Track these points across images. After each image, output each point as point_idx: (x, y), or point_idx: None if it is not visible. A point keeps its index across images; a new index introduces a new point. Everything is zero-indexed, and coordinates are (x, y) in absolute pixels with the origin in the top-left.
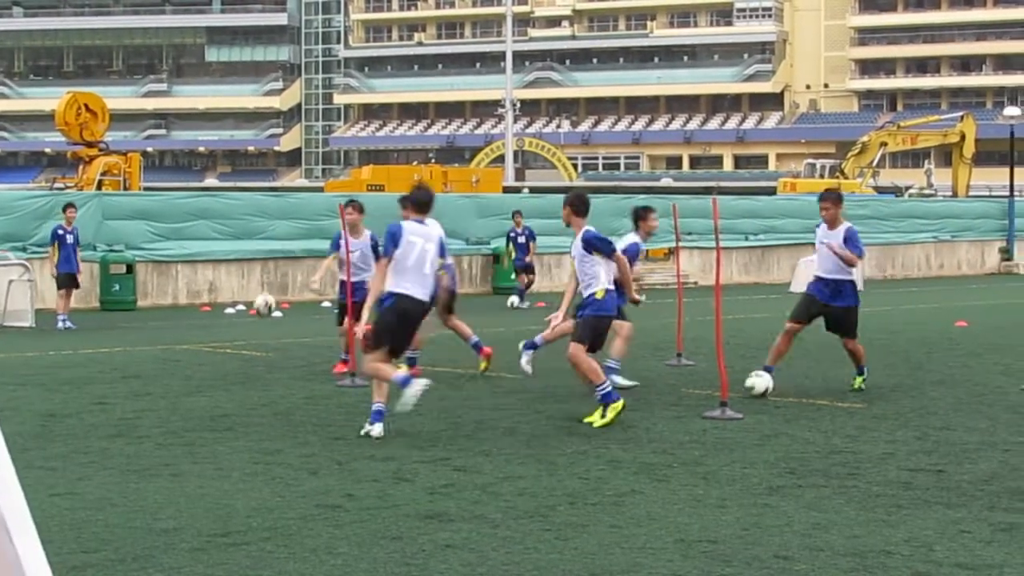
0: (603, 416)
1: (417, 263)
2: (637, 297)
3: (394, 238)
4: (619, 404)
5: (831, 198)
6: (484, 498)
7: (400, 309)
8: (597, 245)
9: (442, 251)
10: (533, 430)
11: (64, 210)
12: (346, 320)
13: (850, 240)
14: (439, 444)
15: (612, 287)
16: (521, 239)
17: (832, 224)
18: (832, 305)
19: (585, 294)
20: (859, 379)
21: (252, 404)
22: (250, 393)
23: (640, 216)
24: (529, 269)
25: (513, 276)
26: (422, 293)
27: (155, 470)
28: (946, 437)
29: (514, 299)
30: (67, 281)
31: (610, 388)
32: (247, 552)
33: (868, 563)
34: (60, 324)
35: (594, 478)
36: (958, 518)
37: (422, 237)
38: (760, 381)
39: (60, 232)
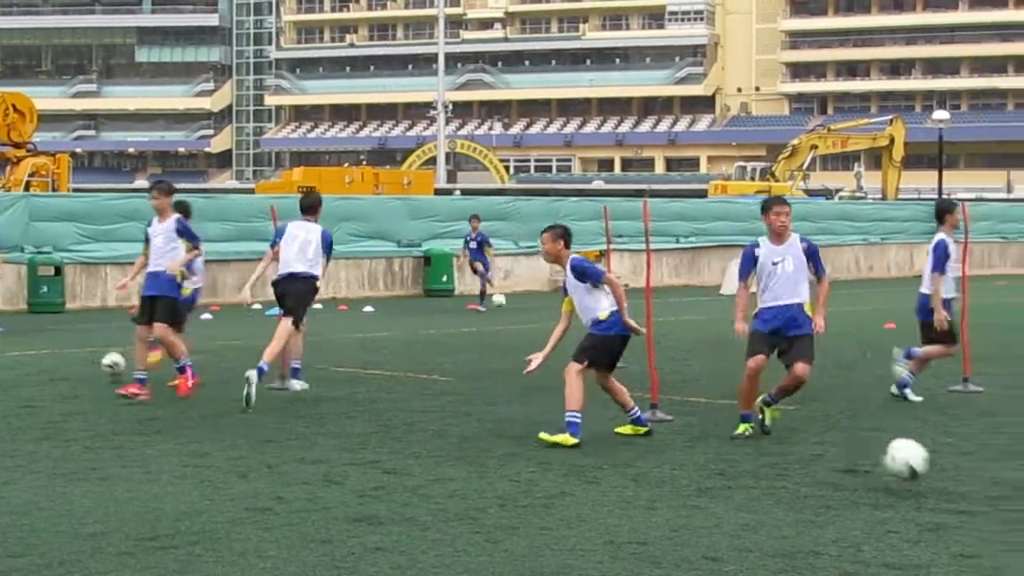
0: (551, 435)
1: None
2: (636, 326)
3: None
4: (572, 440)
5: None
6: (414, 501)
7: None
8: (587, 272)
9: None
10: (463, 432)
11: None
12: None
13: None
14: (369, 447)
15: (616, 308)
16: (473, 244)
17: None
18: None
19: (589, 322)
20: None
21: (181, 407)
22: (179, 397)
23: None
24: (487, 271)
25: (445, 278)
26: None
27: (83, 474)
28: (875, 438)
29: (480, 306)
30: None
31: (578, 421)
32: (175, 556)
33: (797, 564)
34: None
35: (524, 480)
36: (886, 518)
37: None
38: None
39: None
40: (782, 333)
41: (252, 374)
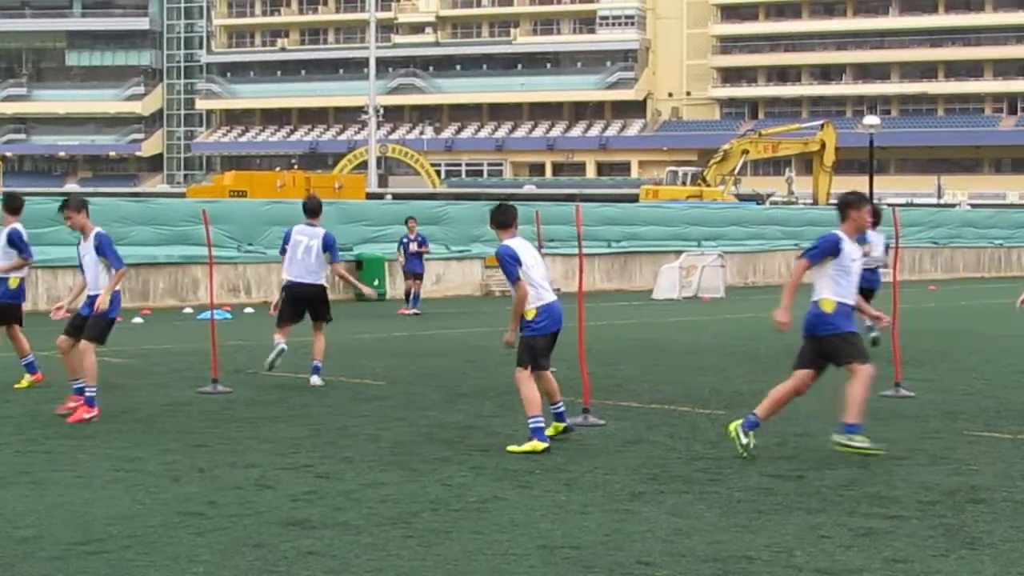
0: (519, 445)
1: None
2: (511, 340)
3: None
4: (542, 446)
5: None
6: (347, 505)
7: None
8: (504, 268)
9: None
10: (396, 437)
11: None
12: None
13: None
14: (301, 451)
15: (547, 302)
16: (413, 245)
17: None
18: None
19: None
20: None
21: (113, 411)
22: (111, 400)
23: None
24: (419, 275)
25: (377, 282)
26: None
27: (14, 478)
28: (806, 443)
29: (407, 307)
30: None
31: (542, 425)
32: (107, 560)
33: (729, 568)
34: None
35: (457, 484)
36: (818, 523)
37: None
38: None
39: None
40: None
41: (315, 379)
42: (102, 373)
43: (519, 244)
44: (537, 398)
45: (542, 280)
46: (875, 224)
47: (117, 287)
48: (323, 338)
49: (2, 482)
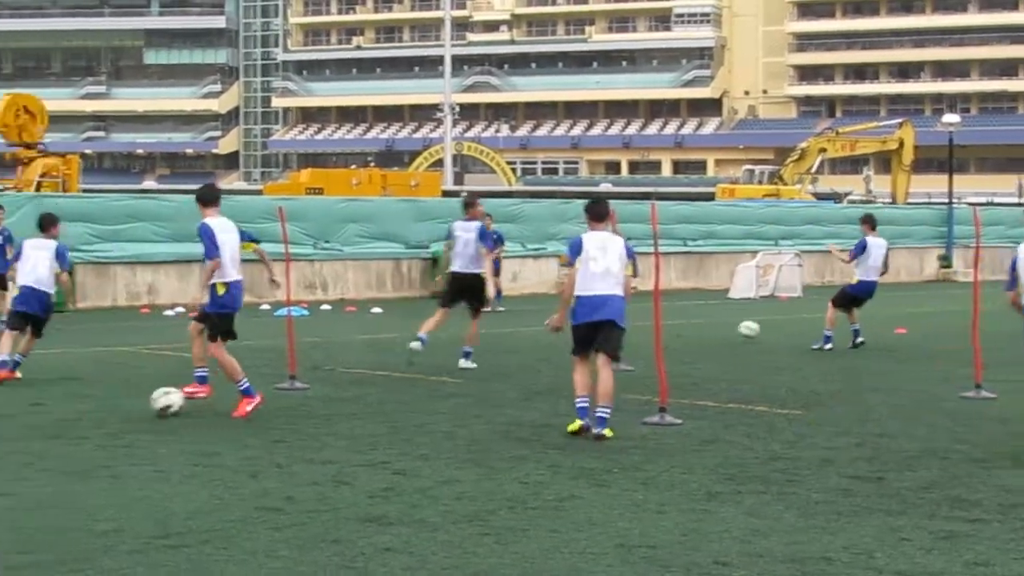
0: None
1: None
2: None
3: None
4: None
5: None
6: (423, 502)
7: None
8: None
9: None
10: (472, 434)
11: None
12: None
13: None
14: (379, 448)
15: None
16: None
17: None
18: None
19: None
20: None
21: (192, 407)
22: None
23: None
24: (497, 272)
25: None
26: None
27: (94, 472)
28: (886, 444)
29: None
30: None
31: (584, 405)
32: (186, 555)
33: (808, 570)
34: None
35: (534, 483)
36: (898, 525)
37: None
38: None
39: None
40: None
41: (465, 362)
42: (181, 368)
43: (592, 236)
44: (579, 381)
45: (596, 272)
46: (872, 229)
47: (213, 279)
48: (476, 325)
49: (82, 476)
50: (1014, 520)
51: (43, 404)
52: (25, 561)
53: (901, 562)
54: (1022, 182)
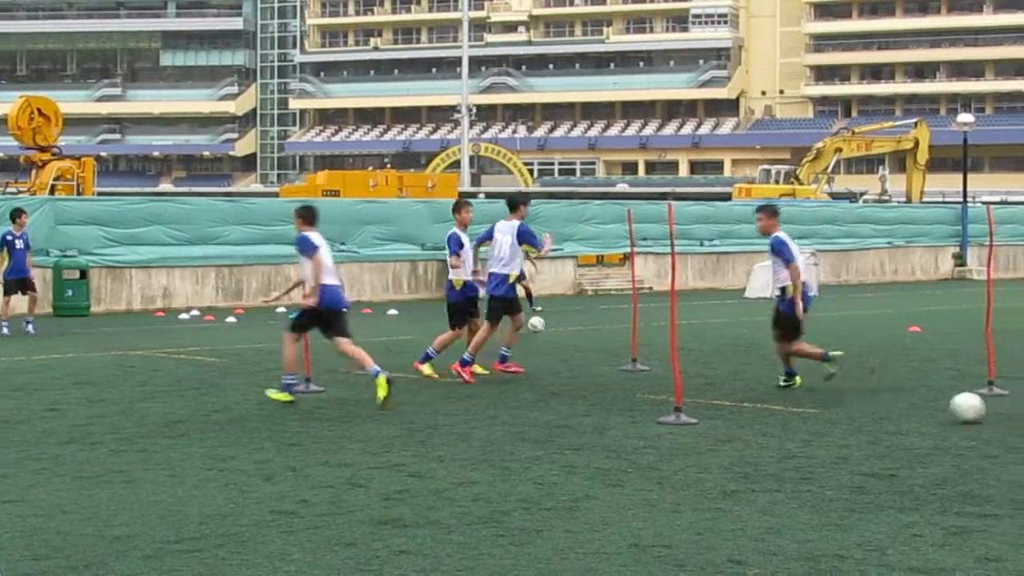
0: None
1: None
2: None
3: None
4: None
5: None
6: (438, 504)
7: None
8: None
9: None
10: (487, 436)
11: (13, 217)
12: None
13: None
14: (393, 450)
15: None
16: None
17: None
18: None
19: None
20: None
21: (206, 410)
22: (204, 399)
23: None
24: (521, 276)
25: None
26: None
27: (108, 477)
28: (899, 442)
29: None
30: (14, 287)
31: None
32: (200, 559)
33: (821, 567)
34: (4, 330)
35: (548, 483)
36: (911, 522)
37: None
38: None
39: (9, 238)
40: None
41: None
42: (196, 371)
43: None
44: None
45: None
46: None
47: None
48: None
49: (96, 481)
50: None
51: (57, 409)
52: (39, 567)
53: (913, 558)
54: None
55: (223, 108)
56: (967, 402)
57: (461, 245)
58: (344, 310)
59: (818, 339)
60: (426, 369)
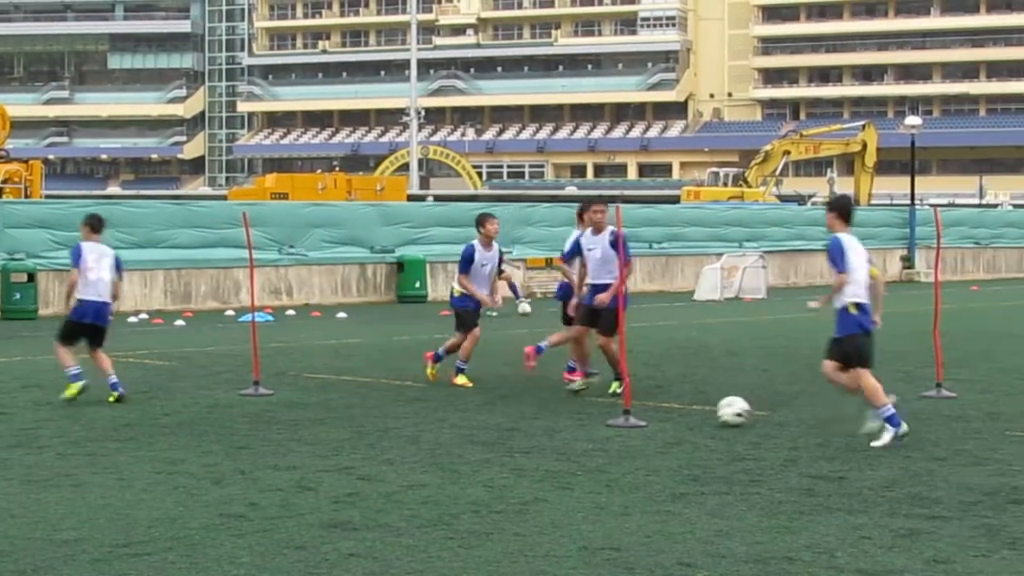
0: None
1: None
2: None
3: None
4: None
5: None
6: (388, 507)
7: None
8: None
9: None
10: (436, 439)
11: None
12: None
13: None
14: (342, 453)
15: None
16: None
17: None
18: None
19: None
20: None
21: (155, 414)
22: (153, 402)
23: (479, 223)
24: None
25: (418, 284)
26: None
27: (56, 481)
28: (847, 444)
29: (523, 305)
30: None
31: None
32: (149, 563)
33: (770, 569)
34: None
35: (498, 486)
36: (860, 524)
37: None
38: None
39: None
40: None
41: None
42: (144, 375)
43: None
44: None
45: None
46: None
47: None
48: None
49: (44, 485)
50: (974, 517)
51: (4, 412)
52: None
53: (862, 560)
54: (983, 183)
55: (171, 111)
56: (727, 409)
57: (471, 262)
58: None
59: (768, 342)
60: (572, 378)
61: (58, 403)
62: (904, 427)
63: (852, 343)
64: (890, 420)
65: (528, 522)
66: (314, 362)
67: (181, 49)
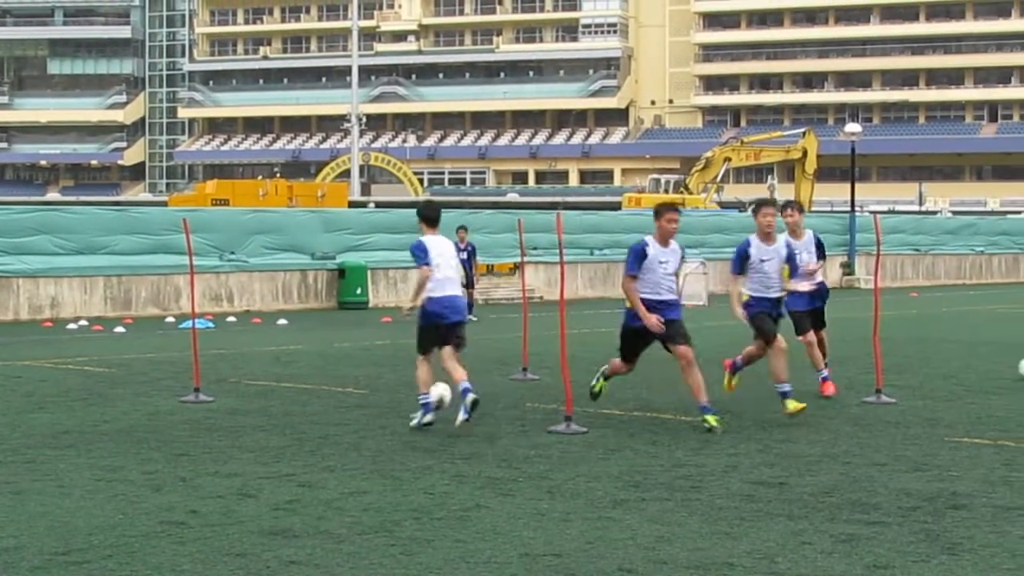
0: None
1: None
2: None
3: None
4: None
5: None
6: (329, 514)
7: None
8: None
9: None
10: (378, 445)
11: None
12: None
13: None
14: (283, 460)
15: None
16: (463, 255)
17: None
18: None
19: None
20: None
21: (95, 420)
22: (93, 409)
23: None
24: (471, 284)
25: (359, 290)
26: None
27: None
28: (788, 450)
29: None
30: None
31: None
32: (88, 570)
33: (711, 575)
34: None
35: (439, 493)
36: (800, 529)
37: None
38: None
39: None
40: None
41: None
42: (84, 382)
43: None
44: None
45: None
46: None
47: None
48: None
49: None
50: (913, 523)
51: None
52: None
53: (803, 566)
54: (923, 190)
55: (111, 117)
56: None
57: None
58: None
59: (711, 350)
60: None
61: None
62: (431, 417)
63: None
64: (426, 407)
65: (469, 529)
66: (255, 369)
67: (121, 55)
